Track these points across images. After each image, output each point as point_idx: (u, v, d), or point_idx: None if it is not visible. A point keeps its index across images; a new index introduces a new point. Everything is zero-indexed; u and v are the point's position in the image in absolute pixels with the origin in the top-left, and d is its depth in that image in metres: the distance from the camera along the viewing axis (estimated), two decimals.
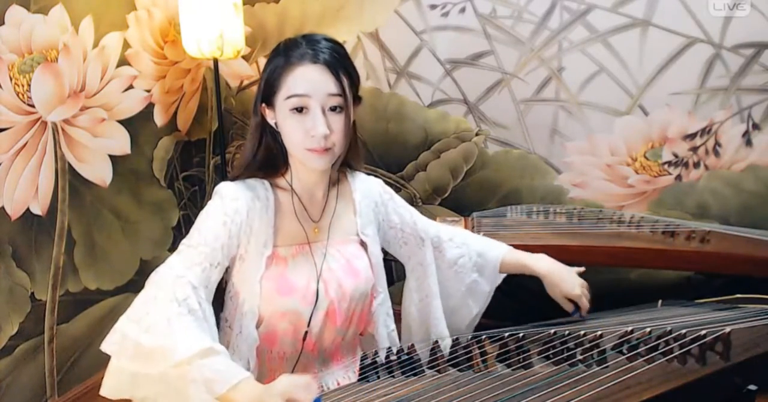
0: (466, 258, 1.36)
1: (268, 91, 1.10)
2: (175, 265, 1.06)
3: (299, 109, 1.06)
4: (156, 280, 1.04)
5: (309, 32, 1.12)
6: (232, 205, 1.10)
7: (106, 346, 0.98)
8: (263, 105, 1.12)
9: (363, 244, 1.24)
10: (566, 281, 1.27)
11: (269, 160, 1.16)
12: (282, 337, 1.16)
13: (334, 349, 1.22)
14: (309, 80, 1.05)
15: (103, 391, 1.00)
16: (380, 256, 1.26)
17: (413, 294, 1.34)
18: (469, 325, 1.40)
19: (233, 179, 1.15)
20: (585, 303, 1.27)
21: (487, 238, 1.41)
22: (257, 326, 1.14)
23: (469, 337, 1.12)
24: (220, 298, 1.18)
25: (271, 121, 1.13)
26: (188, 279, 1.03)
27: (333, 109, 1.07)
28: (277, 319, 1.13)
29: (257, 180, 1.15)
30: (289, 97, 1.06)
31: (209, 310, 1.04)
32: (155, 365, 0.93)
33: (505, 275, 1.37)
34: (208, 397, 0.90)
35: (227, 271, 1.15)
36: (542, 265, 1.31)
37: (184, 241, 1.11)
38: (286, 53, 1.08)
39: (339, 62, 1.07)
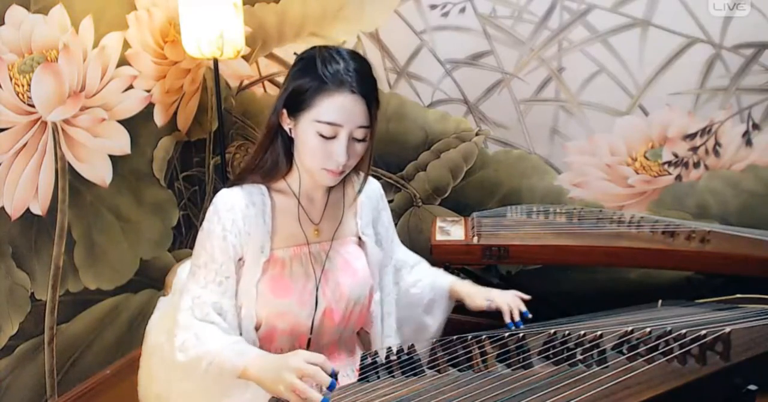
0: (426, 281, 1.38)
1: (294, 103, 1.08)
2: (191, 288, 1.13)
3: (327, 136, 1.06)
4: (181, 306, 1.13)
5: (337, 47, 1.09)
6: (228, 216, 1.12)
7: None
8: (284, 111, 1.11)
9: (361, 243, 1.24)
10: (476, 295, 1.30)
11: (275, 163, 1.16)
12: (279, 336, 1.16)
13: (332, 346, 1.23)
14: (344, 110, 1.05)
15: None
16: (379, 255, 1.27)
17: None
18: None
19: (232, 185, 1.16)
20: (501, 304, 1.24)
21: (439, 270, 1.44)
22: (256, 328, 1.15)
23: (469, 337, 1.12)
24: None
25: (286, 127, 1.12)
26: (204, 299, 1.11)
27: (357, 138, 1.08)
28: (274, 319, 1.14)
29: (254, 185, 1.16)
30: (319, 122, 1.05)
31: (234, 319, 1.13)
32: (192, 375, 1.08)
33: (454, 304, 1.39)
34: (232, 382, 1.06)
35: None
36: (464, 287, 1.34)
37: (192, 261, 1.16)
38: (323, 72, 1.05)
39: (373, 92, 1.08)
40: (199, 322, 1.09)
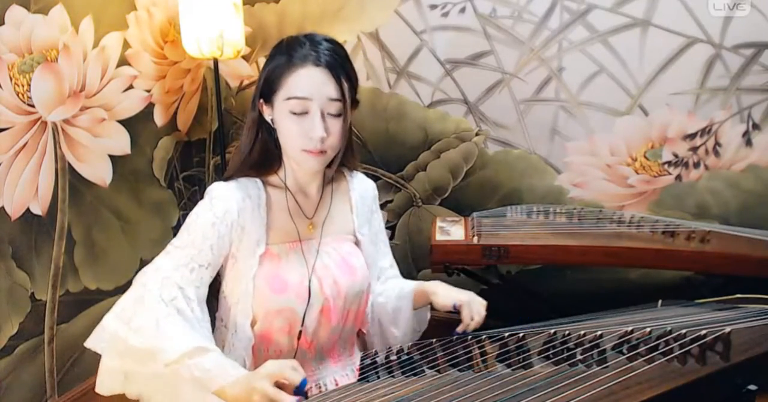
0: (393, 289, 1.30)
1: (267, 89, 1.10)
2: (162, 266, 1.09)
3: (299, 112, 1.06)
4: (143, 281, 1.07)
5: (311, 32, 1.12)
6: (223, 205, 1.10)
7: (93, 344, 1.05)
8: (261, 101, 1.13)
9: (358, 242, 1.24)
10: (444, 294, 1.21)
11: (264, 157, 1.16)
12: (277, 335, 1.16)
13: (331, 346, 1.22)
14: (311, 83, 1.05)
15: (99, 389, 1.05)
16: (375, 255, 1.26)
17: None
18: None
19: (226, 179, 1.16)
20: (465, 313, 1.15)
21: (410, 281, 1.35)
22: (252, 325, 1.14)
23: (469, 337, 1.12)
24: (215, 298, 1.19)
25: (268, 118, 1.13)
26: (174, 280, 1.06)
27: (332, 113, 1.07)
28: (271, 316, 1.14)
29: (249, 179, 1.16)
30: (289, 99, 1.06)
31: (200, 310, 1.07)
32: (145, 365, 0.98)
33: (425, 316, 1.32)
34: (200, 395, 0.93)
35: (221, 270, 1.16)
36: (432, 285, 1.25)
37: (172, 241, 1.13)
38: (288, 52, 1.07)
39: (341, 66, 1.08)
40: (165, 307, 1.01)
